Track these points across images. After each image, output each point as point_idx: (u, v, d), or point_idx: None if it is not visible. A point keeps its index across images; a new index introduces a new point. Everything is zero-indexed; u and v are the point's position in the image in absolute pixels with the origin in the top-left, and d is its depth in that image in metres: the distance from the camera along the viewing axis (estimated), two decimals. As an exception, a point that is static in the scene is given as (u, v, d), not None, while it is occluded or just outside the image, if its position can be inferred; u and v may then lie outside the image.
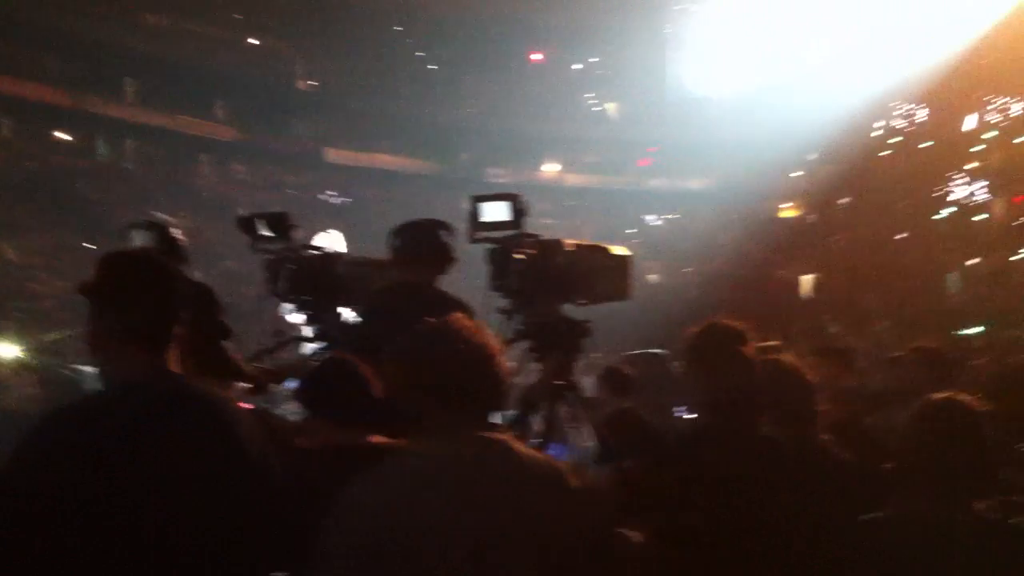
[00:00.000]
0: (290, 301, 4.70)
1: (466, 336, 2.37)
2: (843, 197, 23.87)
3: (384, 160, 34.39)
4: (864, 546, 2.77)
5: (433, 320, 2.45)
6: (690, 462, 3.11)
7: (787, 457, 3.06)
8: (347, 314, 4.59)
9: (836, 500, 2.96)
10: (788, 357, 3.52)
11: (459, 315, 2.46)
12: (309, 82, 35.43)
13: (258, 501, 2.27)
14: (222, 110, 37.10)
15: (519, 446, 2.43)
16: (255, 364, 4.37)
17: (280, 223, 4.72)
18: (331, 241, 4.89)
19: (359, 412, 2.80)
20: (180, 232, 4.41)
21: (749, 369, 3.11)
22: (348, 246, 4.99)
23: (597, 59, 30.67)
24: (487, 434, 2.37)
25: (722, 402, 3.11)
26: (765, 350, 3.67)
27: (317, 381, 3.00)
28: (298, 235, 4.80)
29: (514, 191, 4.07)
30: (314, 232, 5.00)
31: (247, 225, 4.76)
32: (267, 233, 4.73)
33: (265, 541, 2.28)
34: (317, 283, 4.60)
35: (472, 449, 2.32)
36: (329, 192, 31.17)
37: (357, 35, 31.89)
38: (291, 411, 3.77)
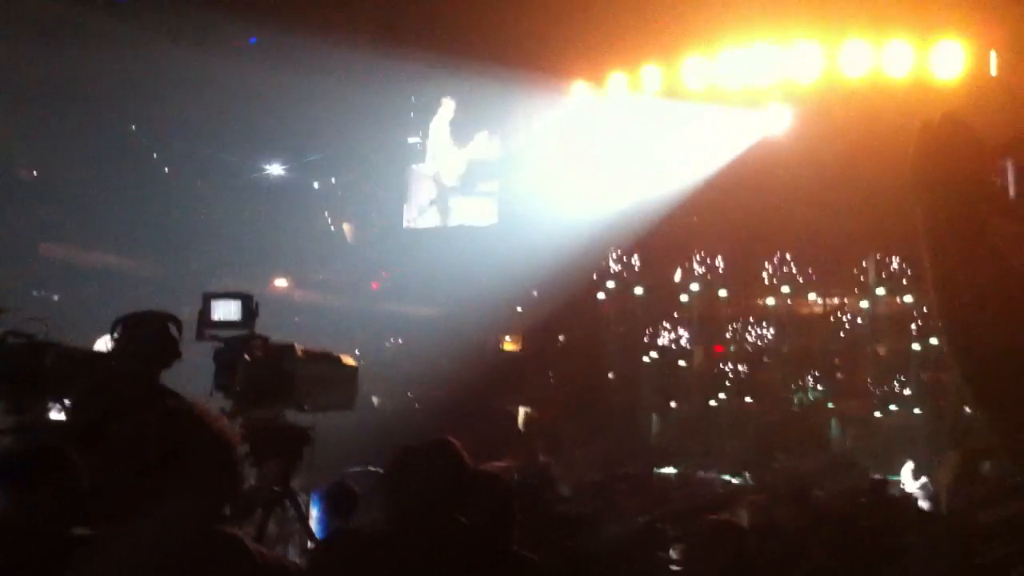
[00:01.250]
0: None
1: (209, 423, 2.30)
2: (559, 335, 24.93)
3: (105, 260, 32.73)
4: None
5: (176, 404, 2.38)
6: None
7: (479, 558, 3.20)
8: (55, 408, 4.33)
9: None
10: (496, 468, 3.69)
11: (200, 402, 2.41)
12: (29, 172, 33.48)
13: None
14: (-75, 193, 34.27)
15: (253, 544, 2.36)
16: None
17: (-18, 308, 4.43)
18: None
19: (67, 502, 2.65)
20: None
21: (457, 470, 3.28)
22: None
23: (335, 180, 30.81)
24: (221, 528, 2.27)
25: (421, 504, 3.21)
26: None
27: (24, 468, 2.81)
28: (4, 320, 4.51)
29: (246, 292, 4.07)
30: (22, 324, 4.69)
31: (-51, 308, 4.44)
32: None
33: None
34: (22, 373, 4.30)
35: (204, 544, 2.22)
36: (42, 290, 29.25)
37: (86, 128, 30.65)
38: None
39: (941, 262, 1.67)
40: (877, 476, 9.83)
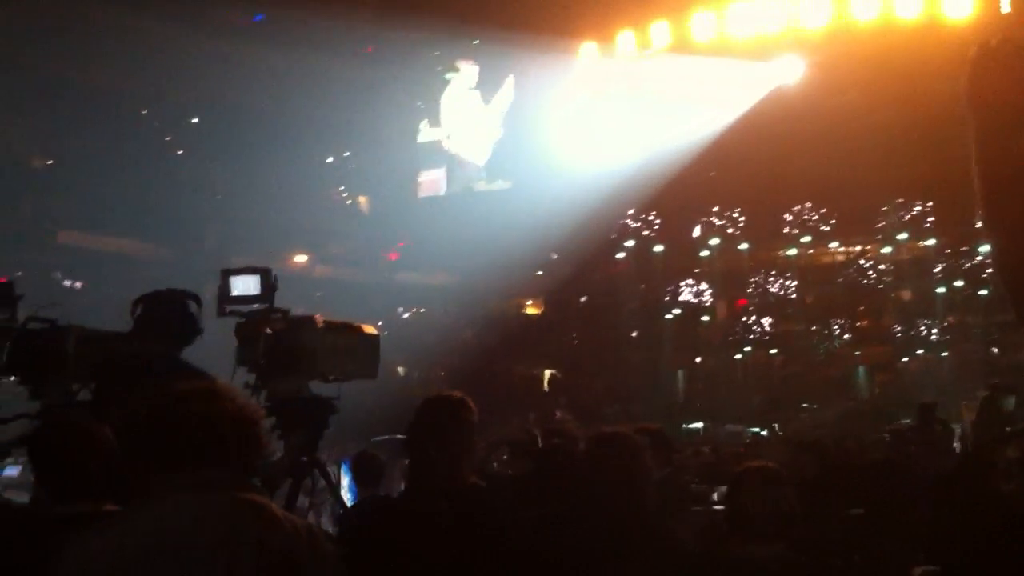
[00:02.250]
0: (12, 375, 4.37)
1: (229, 395, 2.32)
2: (581, 296, 24.93)
3: (123, 244, 32.89)
4: None
5: (194, 381, 2.39)
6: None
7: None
8: (80, 390, 4.33)
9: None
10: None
11: (220, 379, 2.42)
12: (44, 161, 33.61)
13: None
14: (-58, 184, 34.45)
15: (277, 507, 2.38)
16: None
17: (3, 294, 4.43)
18: None
19: (93, 478, 2.66)
20: None
21: (469, 429, 3.31)
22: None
23: (349, 153, 30.81)
24: (246, 494, 2.30)
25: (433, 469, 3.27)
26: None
27: (47, 445, 2.82)
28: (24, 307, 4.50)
29: (264, 266, 4.06)
30: (42, 310, 4.70)
31: (-34, 295, 4.44)
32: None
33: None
34: (43, 357, 4.30)
35: (228, 509, 2.25)
36: (62, 275, 29.44)
37: (99, 115, 30.70)
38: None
39: (992, 175, 1.66)
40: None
